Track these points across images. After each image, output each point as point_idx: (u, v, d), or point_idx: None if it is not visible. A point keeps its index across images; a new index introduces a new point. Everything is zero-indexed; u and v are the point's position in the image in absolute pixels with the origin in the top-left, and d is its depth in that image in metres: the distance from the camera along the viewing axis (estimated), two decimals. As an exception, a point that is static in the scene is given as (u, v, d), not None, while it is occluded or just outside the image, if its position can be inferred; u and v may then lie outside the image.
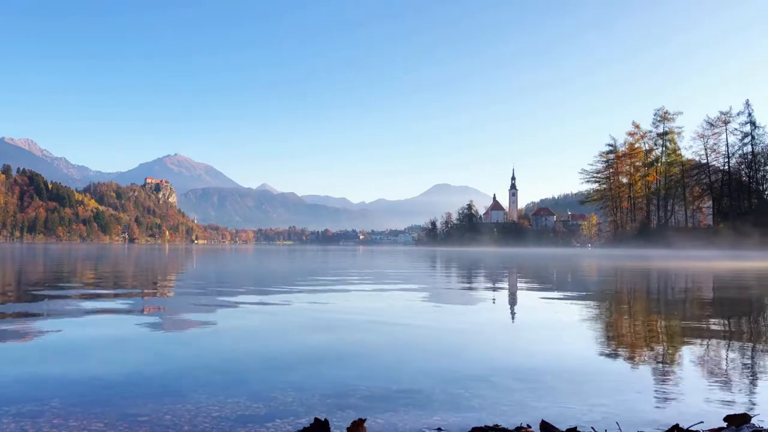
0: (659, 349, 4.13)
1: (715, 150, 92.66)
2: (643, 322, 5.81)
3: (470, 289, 10.06)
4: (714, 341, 4.39)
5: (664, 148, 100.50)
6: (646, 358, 3.73)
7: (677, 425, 2.16)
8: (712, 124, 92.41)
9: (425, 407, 2.50)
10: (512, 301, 7.91)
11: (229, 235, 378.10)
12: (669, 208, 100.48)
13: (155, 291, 8.66)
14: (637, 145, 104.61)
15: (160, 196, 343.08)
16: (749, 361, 3.67)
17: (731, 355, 3.86)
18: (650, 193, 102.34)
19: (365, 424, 2.07)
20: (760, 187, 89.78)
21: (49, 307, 6.06)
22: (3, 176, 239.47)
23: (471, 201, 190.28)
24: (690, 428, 2.15)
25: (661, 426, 2.26)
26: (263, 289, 9.08)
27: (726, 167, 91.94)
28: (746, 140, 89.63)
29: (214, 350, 3.80)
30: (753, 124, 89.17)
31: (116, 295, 7.65)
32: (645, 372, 3.32)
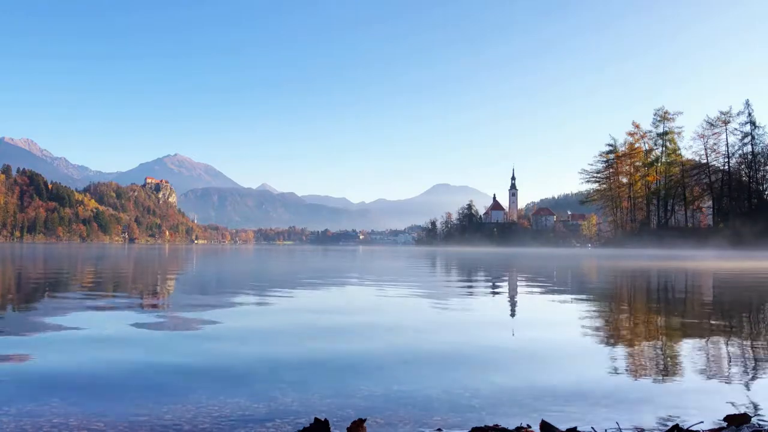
0: (659, 349, 4.13)
1: (715, 150, 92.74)
2: (643, 322, 5.82)
3: (470, 289, 10.06)
4: (714, 341, 4.39)
5: (664, 148, 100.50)
6: (646, 358, 3.73)
7: (677, 425, 2.16)
8: (712, 124, 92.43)
9: (425, 407, 2.51)
10: (512, 301, 7.91)
11: (229, 235, 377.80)
12: (669, 208, 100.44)
13: (155, 291, 8.66)
14: (637, 145, 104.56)
15: (160, 196, 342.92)
16: (749, 361, 3.67)
17: (731, 355, 3.86)
18: (650, 193, 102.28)
19: (365, 424, 2.07)
20: (760, 187, 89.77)
21: (48, 308, 6.06)
22: (3, 176, 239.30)
23: (471, 201, 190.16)
24: (690, 428, 2.15)
25: (661, 426, 2.26)
26: (263, 289, 9.08)
27: (726, 167, 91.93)
28: (746, 140, 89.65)
29: (215, 350, 3.80)
30: (753, 124, 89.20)
31: (116, 296, 7.66)
32: (645, 372, 3.32)
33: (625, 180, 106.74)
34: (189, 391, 2.70)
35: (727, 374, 3.26)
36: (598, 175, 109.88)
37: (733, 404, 2.60)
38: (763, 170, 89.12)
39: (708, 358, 3.74)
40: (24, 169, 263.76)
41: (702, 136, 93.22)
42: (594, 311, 6.66)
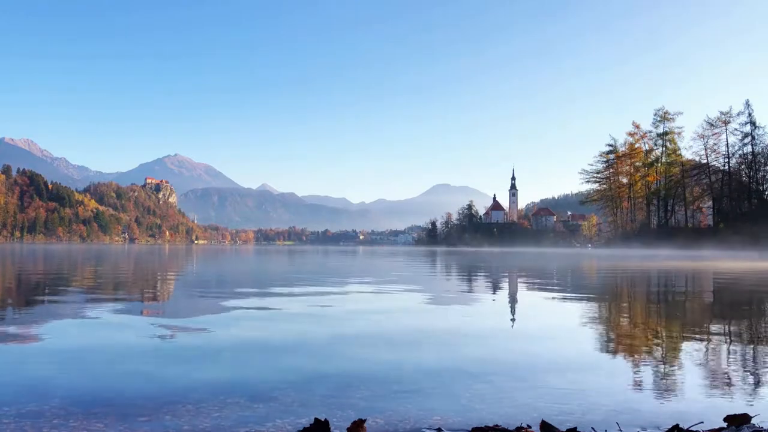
0: (659, 349, 4.13)
1: (715, 150, 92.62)
2: (643, 322, 5.81)
3: (470, 289, 10.06)
4: (714, 341, 4.39)
5: (664, 149, 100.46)
6: (646, 358, 3.73)
7: (677, 425, 2.16)
8: (712, 124, 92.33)
9: (425, 407, 2.50)
10: (512, 302, 7.91)
11: (229, 236, 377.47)
12: (669, 208, 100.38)
13: (155, 292, 8.66)
14: (637, 146, 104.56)
15: (160, 196, 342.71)
16: (749, 362, 3.67)
17: (731, 355, 3.86)
18: (650, 194, 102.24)
19: (365, 424, 2.07)
20: (761, 188, 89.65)
21: (48, 308, 6.06)
22: (3, 176, 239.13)
23: (471, 201, 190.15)
24: (690, 428, 2.15)
25: (661, 426, 2.26)
26: (263, 289, 9.08)
27: (726, 167, 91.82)
28: (746, 140, 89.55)
29: (214, 350, 3.80)
30: (753, 124, 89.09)
31: (116, 296, 7.66)
32: (645, 372, 3.32)
33: (625, 180, 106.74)
34: (189, 391, 2.70)
35: (727, 374, 3.26)
36: (598, 175, 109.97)
37: (733, 404, 2.60)
38: (764, 170, 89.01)
39: (708, 359, 3.74)
40: (24, 169, 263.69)
41: (702, 136, 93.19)
42: (594, 312, 6.65)
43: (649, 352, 3.95)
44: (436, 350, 3.92)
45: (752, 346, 4.26)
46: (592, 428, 2.19)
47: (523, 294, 9.24)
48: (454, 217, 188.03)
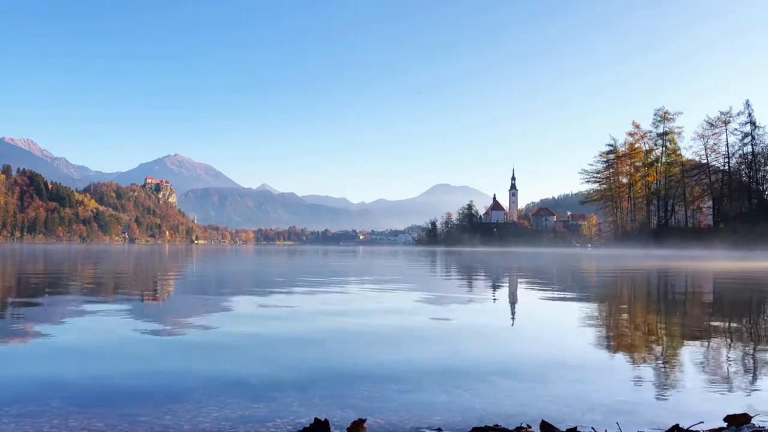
0: (659, 349, 4.13)
1: (715, 150, 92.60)
2: (643, 322, 5.82)
3: (470, 289, 10.06)
4: (714, 341, 4.39)
5: (664, 148, 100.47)
6: (646, 359, 3.73)
7: (677, 425, 2.16)
8: (712, 124, 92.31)
9: (425, 407, 2.50)
10: (512, 302, 7.91)
11: (229, 236, 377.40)
12: (669, 208, 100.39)
13: (155, 292, 8.67)
14: (637, 146, 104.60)
15: (160, 196, 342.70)
16: (749, 362, 3.67)
17: (731, 355, 3.86)
18: (650, 193, 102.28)
19: (365, 424, 2.07)
20: (761, 188, 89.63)
21: (48, 308, 6.06)
22: (3, 176, 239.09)
23: (471, 201, 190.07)
24: (690, 428, 2.15)
25: (661, 426, 2.26)
26: (263, 290, 9.08)
27: (726, 167, 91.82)
28: (746, 140, 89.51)
29: (215, 350, 3.81)
30: (753, 124, 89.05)
31: (116, 296, 7.66)
32: (645, 372, 3.32)
33: (625, 180, 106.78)
34: (189, 391, 2.70)
35: (727, 374, 3.26)
36: (598, 175, 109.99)
37: (733, 404, 2.60)
38: (764, 170, 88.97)
39: (708, 359, 3.74)
40: (24, 169, 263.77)
41: (702, 136, 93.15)
42: (594, 312, 6.65)
43: (649, 352, 3.95)
44: (437, 351, 3.91)
45: (752, 346, 4.26)
46: (592, 428, 2.19)
47: (523, 294, 9.24)
48: (454, 217, 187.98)
